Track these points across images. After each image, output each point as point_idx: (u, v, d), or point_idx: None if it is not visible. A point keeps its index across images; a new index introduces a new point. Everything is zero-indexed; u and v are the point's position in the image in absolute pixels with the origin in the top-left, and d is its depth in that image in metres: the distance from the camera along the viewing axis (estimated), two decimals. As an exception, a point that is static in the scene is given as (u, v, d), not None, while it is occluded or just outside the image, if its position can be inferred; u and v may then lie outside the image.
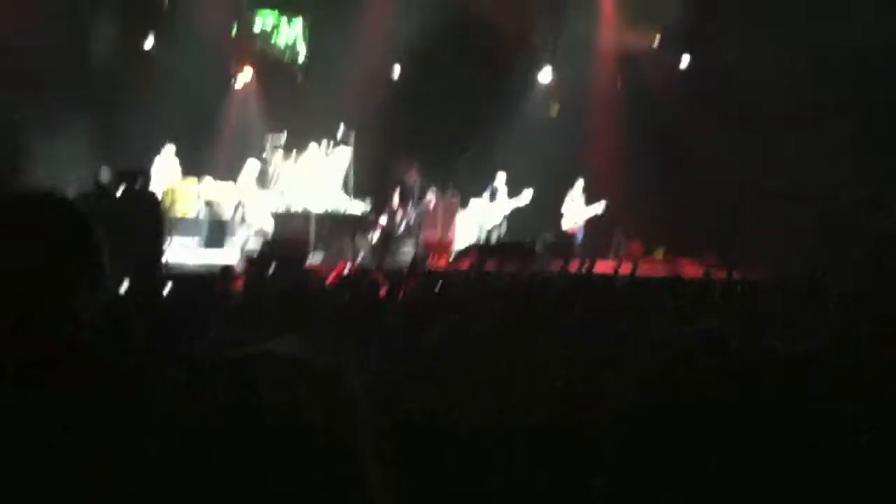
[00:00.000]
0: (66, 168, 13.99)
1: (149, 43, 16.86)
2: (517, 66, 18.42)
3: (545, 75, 18.65)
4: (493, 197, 15.88)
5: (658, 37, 18.58)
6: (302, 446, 1.33)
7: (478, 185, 16.23)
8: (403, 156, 16.16)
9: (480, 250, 14.20)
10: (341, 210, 15.37)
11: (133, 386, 1.78)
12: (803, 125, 15.49)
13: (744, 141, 16.05)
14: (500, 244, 15.11)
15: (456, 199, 16.18)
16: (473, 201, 15.95)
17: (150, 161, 14.46)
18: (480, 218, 15.71)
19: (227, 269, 10.71)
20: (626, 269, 11.29)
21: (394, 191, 15.62)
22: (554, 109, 18.66)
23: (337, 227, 14.99)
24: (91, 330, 1.86)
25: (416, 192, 15.56)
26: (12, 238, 1.82)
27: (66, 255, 1.84)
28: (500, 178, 15.94)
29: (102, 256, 1.89)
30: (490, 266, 11.46)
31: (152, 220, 12.32)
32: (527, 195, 15.61)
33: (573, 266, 11.42)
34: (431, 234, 15.45)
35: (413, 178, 15.60)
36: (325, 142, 16.07)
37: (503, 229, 15.84)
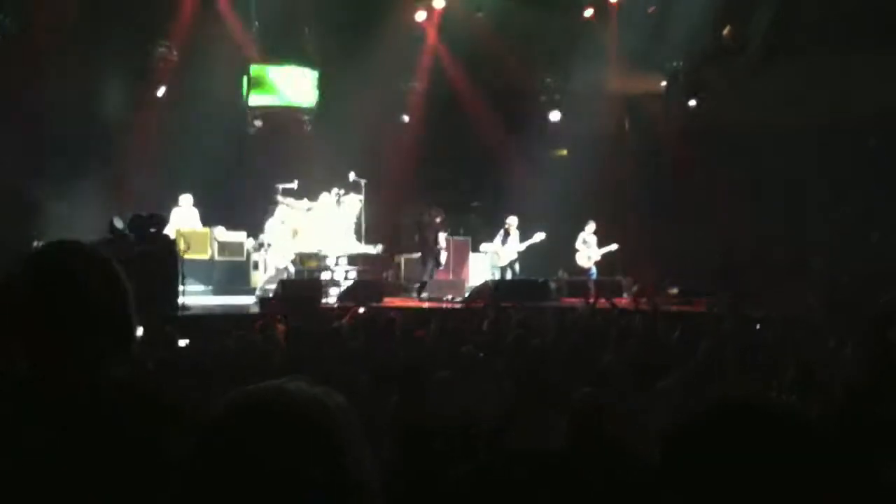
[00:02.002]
0: (82, 223, 14.10)
1: (161, 94, 16.97)
2: (526, 111, 18.63)
3: (555, 120, 18.84)
4: (504, 240, 15.93)
5: (664, 83, 18.81)
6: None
7: (489, 228, 16.28)
8: (420, 203, 16.33)
9: (495, 288, 14.21)
10: (355, 252, 15.44)
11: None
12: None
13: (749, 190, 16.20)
14: (514, 281, 15.11)
15: (467, 242, 16.25)
16: (485, 245, 15.99)
17: (166, 210, 14.51)
18: (493, 259, 15.76)
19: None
20: (644, 306, 11.30)
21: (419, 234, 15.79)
22: (563, 153, 18.86)
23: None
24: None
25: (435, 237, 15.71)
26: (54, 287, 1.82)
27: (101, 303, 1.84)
28: (512, 221, 16.01)
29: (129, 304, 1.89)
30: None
31: (168, 261, 12.44)
32: (539, 236, 15.67)
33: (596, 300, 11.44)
34: (444, 275, 15.49)
35: (437, 222, 15.75)
36: (335, 190, 16.17)
37: (517, 269, 15.87)
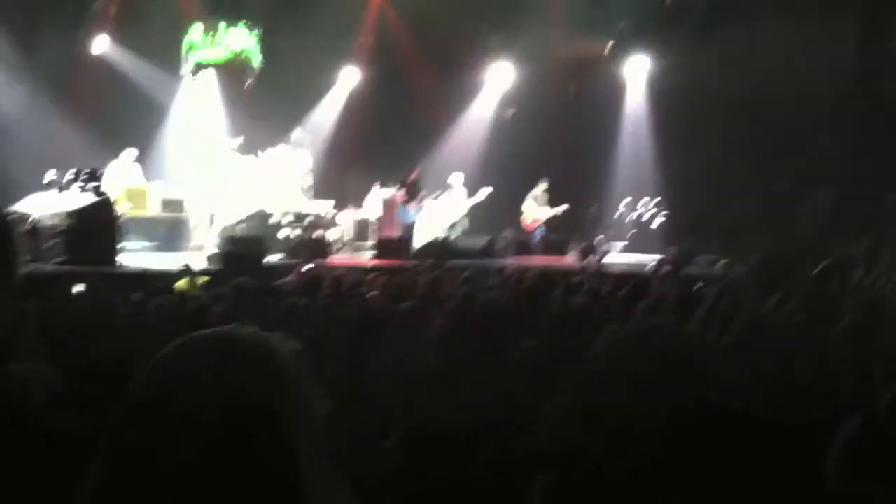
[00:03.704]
0: (20, 172, 13.85)
1: (100, 46, 16.53)
2: (472, 68, 18.56)
3: (502, 77, 18.79)
4: (449, 196, 15.86)
5: (610, 44, 18.82)
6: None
7: (435, 187, 16.22)
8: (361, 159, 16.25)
9: (442, 246, 14.18)
10: (302, 210, 15.27)
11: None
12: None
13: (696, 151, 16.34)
14: (462, 243, 15.06)
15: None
16: (430, 200, 15.92)
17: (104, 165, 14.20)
18: (440, 217, 15.70)
19: (188, 269, 10.67)
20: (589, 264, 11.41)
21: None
22: (510, 112, 18.83)
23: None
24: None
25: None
26: None
27: None
28: (457, 178, 15.93)
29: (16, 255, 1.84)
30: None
31: (106, 217, 12.24)
32: (484, 192, 15.64)
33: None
34: (388, 231, 15.42)
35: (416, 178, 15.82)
36: (282, 145, 15.98)
37: (465, 226, 15.83)
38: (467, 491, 3.41)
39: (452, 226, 15.60)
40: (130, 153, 14.91)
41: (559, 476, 1.90)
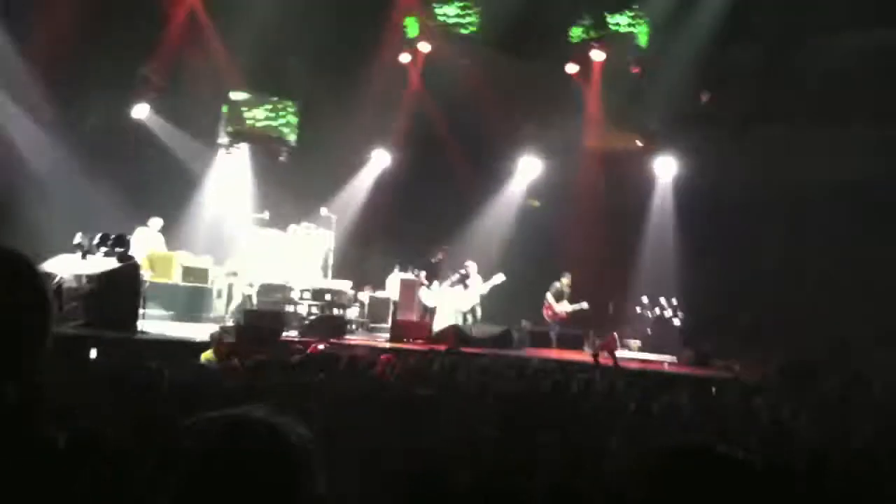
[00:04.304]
0: (50, 234, 14.02)
1: (140, 112, 16.91)
2: (501, 157, 18.78)
3: (530, 168, 18.98)
4: (463, 282, 15.90)
5: (640, 142, 19.02)
6: None
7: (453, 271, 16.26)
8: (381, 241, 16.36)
9: (458, 335, 14.16)
10: (322, 287, 15.34)
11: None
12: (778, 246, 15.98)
13: (722, 249, 16.36)
14: (478, 331, 15.02)
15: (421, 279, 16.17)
16: (445, 286, 15.94)
17: (130, 230, 14.35)
18: (455, 303, 15.72)
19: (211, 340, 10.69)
20: (605, 360, 11.38)
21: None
22: (535, 203, 18.98)
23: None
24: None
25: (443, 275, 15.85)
26: None
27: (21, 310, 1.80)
28: (471, 266, 16.00)
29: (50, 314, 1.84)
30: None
31: (131, 282, 12.32)
32: (498, 278, 15.68)
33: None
34: (408, 315, 15.43)
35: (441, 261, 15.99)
36: (305, 223, 16.14)
37: (478, 314, 15.83)
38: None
39: (467, 312, 15.62)
40: (157, 222, 15.08)
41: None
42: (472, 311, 15.72)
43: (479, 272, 15.99)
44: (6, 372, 1.75)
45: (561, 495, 3.69)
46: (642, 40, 17.95)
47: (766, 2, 16.68)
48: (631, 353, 15.12)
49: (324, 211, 16.48)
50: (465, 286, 15.80)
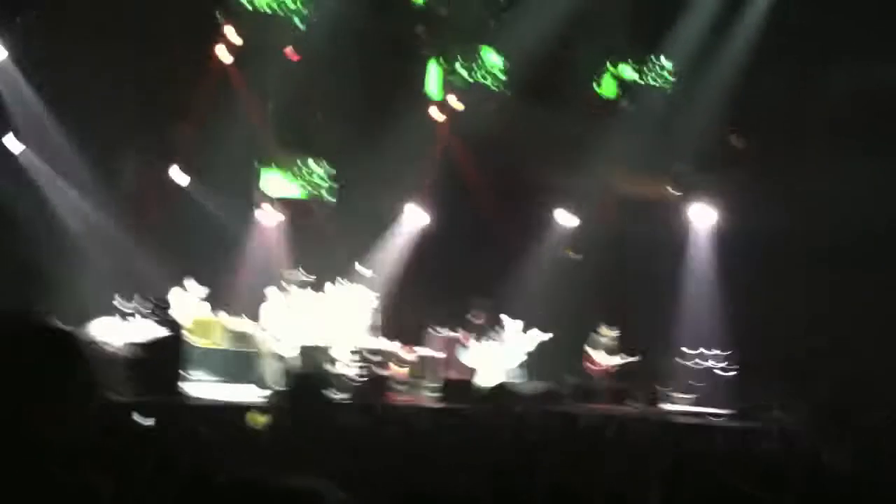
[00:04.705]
0: (88, 295, 14.04)
1: (175, 173, 16.98)
2: (535, 209, 18.73)
3: (567, 220, 18.91)
4: (506, 339, 15.81)
5: (670, 187, 18.94)
6: None
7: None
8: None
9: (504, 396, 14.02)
10: (367, 347, 15.22)
11: None
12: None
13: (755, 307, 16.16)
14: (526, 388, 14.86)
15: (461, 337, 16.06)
16: (487, 342, 15.83)
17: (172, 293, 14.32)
18: (497, 360, 15.59)
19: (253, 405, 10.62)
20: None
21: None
22: (574, 255, 18.89)
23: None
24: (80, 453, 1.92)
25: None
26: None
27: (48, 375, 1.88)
28: (515, 323, 15.89)
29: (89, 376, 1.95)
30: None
31: (173, 349, 12.29)
32: (545, 336, 15.58)
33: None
34: (450, 372, 15.31)
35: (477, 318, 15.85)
36: (342, 281, 16.06)
37: (520, 372, 15.72)
38: None
39: (512, 369, 15.47)
40: (193, 285, 15.03)
41: None
42: (517, 368, 15.58)
43: (523, 328, 15.88)
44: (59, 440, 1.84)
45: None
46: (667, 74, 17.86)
47: (790, 29, 16.46)
48: (677, 407, 14.93)
49: (360, 268, 16.38)
50: (506, 341, 15.68)
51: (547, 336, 15.54)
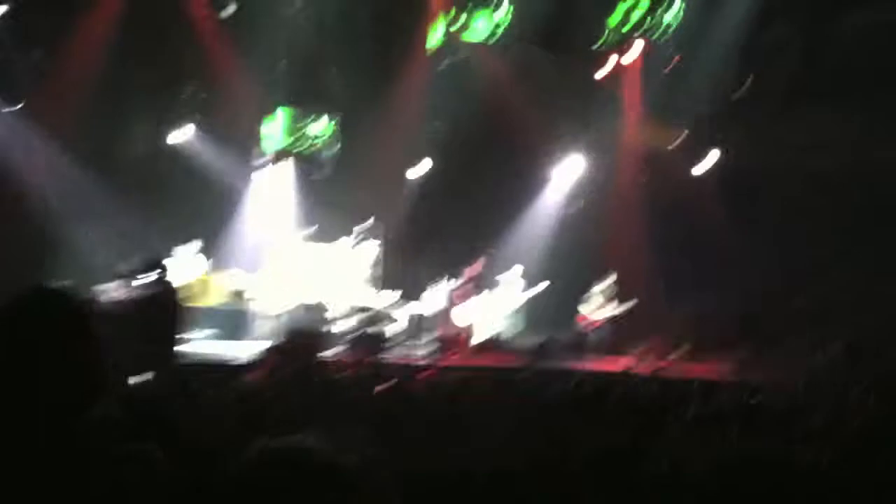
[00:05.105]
0: (91, 259, 14.22)
1: (183, 135, 17.00)
2: (542, 157, 18.56)
3: (572, 169, 18.74)
4: (506, 289, 15.81)
5: (684, 133, 18.67)
6: None
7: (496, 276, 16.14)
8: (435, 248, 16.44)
9: (498, 348, 14.12)
10: (364, 303, 15.33)
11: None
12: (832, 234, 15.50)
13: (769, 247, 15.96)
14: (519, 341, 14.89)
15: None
16: (487, 294, 15.86)
17: (171, 254, 14.45)
18: (495, 311, 15.62)
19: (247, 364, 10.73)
20: (644, 368, 11.19)
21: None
22: (579, 203, 18.75)
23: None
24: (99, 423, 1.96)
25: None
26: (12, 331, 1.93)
27: (64, 344, 1.94)
28: (517, 270, 15.88)
29: (98, 349, 2.01)
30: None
31: (170, 309, 12.41)
32: (541, 286, 15.56)
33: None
34: (447, 328, 15.34)
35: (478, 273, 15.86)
36: (352, 235, 16.13)
37: (519, 321, 15.70)
38: None
39: (507, 319, 15.49)
40: (195, 244, 15.17)
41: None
42: (513, 318, 15.59)
43: (523, 277, 15.85)
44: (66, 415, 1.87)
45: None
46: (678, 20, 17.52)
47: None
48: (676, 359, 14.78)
49: (369, 222, 16.40)
50: (507, 291, 15.69)
51: (544, 285, 15.49)
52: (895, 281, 14.54)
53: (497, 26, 17.64)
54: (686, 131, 18.60)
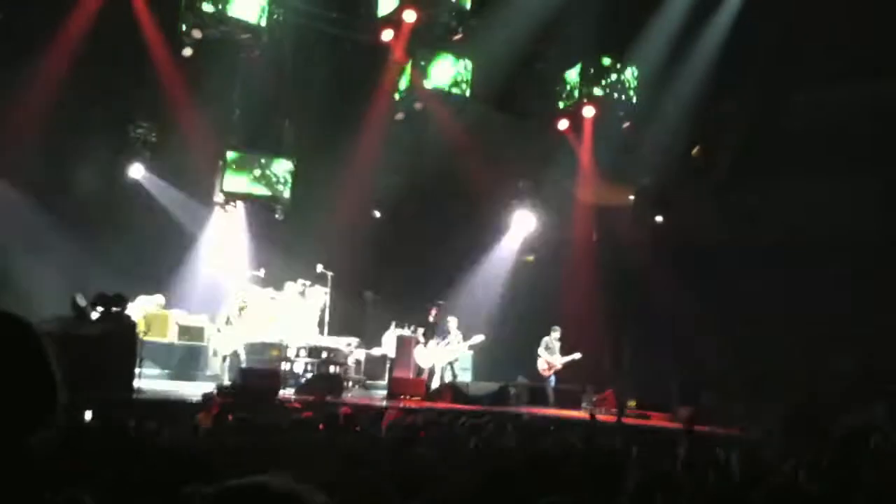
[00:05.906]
0: (48, 292, 13.97)
1: (136, 172, 16.97)
2: (496, 211, 18.87)
3: (525, 222, 19.06)
4: (444, 339, 15.95)
5: (632, 196, 19.13)
6: None
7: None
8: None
9: (455, 393, 14.18)
10: (319, 345, 15.30)
11: None
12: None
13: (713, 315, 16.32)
14: (475, 388, 14.98)
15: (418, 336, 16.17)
16: (437, 344, 15.96)
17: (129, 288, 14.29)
18: (449, 357, 15.73)
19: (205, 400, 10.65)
20: (606, 417, 11.36)
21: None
22: (530, 259, 19.05)
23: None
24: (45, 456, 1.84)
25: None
26: None
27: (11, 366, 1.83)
28: (452, 322, 16.04)
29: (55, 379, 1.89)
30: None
31: (127, 341, 12.29)
32: (478, 338, 15.75)
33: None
34: (404, 372, 15.38)
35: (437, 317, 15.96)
36: (300, 280, 16.14)
37: (455, 369, 15.81)
38: None
39: (445, 366, 15.59)
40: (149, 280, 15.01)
41: None
42: (450, 365, 15.68)
43: (463, 328, 16.04)
44: (12, 438, 1.77)
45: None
46: (632, 88, 18.04)
47: (752, 56, 16.81)
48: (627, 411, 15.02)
49: (319, 268, 16.42)
50: (446, 342, 15.83)
51: (480, 339, 15.70)
52: (836, 356, 14.96)
53: (456, 82, 17.91)
54: (632, 196, 19.05)
